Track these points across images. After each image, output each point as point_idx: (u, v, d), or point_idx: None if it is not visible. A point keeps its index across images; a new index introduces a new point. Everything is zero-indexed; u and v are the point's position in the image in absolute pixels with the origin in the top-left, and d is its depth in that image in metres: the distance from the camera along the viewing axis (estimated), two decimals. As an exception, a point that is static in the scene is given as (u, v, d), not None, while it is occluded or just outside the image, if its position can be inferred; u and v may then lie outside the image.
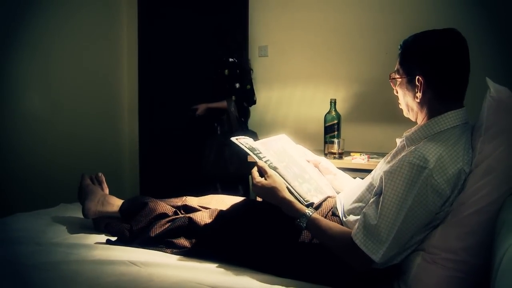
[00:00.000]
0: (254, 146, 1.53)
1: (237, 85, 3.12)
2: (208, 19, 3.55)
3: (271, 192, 1.41)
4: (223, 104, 3.12)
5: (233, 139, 1.54)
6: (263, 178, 1.44)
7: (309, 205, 1.45)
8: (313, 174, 1.66)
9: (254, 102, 3.20)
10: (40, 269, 1.34)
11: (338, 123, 2.54)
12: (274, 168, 1.48)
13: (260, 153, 1.52)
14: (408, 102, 1.36)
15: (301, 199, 1.46)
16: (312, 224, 1.34)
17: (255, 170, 1.46)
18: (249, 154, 1.49)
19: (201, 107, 3.16)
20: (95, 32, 3.53)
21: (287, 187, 1.45)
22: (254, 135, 3.06)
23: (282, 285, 1.29)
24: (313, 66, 3.13)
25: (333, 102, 2.55)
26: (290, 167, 1.58)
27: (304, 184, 1.54)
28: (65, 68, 3.27)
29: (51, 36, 3.15)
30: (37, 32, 3.06)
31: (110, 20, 3.73)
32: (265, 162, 1.49)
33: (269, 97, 3.29)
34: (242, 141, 1.52)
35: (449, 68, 1.28)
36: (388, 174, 1.24)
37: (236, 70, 3.12)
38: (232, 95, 3.12)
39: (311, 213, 1.35)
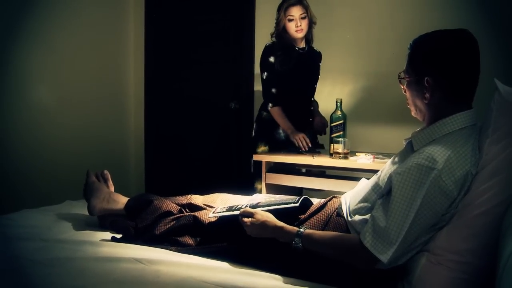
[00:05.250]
0: (227, 206, 1.63)
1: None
2: (214, 18, 3.56)
3: (264, 225, 1.43)
4: (316, 104, 2.92)
5: (211, 217, 1.61)
6: (251, 219, 1.46)
7: (299, 208, 1.49)
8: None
9: None
10: (45, 265, 1.34)
11: (344, 123, 2.53)
12: (256, 206, 1.54)
13: (238, 205, 1.60)
14: (416, 102, 1.36)
15: (290, 201, 1.51)
16: (308, 239, 1.35)
17: (242, 219, 1.47)
18: (232, 216, 1.54)
19: (326, 121, 2.77)
20: (102, 28, 3.55)
21: (274, 209, 1.50)
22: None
23: (287, 284, 1.29)
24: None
25: (339, 102, 2.54)
26: (265, 198, 1.68)
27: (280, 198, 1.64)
28: (71, 65, 3.28)
29: (58, 31, 3.16)
30: (44, 27, 3.07)
31: (117, 16, 3.74)
32: (245, 207, 1.54)
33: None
34: (217, 212, 1.62)
35: (459, 70, 1.27)
36: (397, 175, 1.24)
37: None
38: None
39: (303, 231, 1.36)
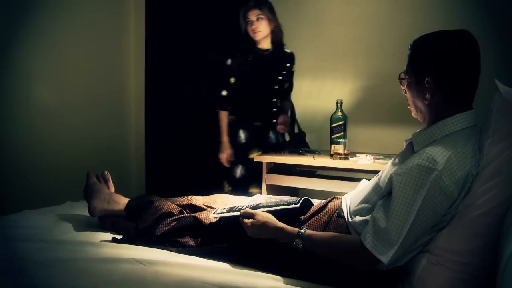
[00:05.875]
0: (228, 207, 1.63)
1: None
2: (214, 18, 3.56)
3: (264, 226, 1.43)
4: (289, 105, 2.89)
5: (212, 218, 1.61)
6: (252, 220, 1.46)
7: (299, 209, 1.49)
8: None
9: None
10: (46, 266, 1.34)
11: (345, 124, 2.53)
12: (256, 207, 1.54)
13: (238, 206, 1.60)
14: (416, 103, 1.36)
15: (290, 202, 1.51)
16: (308, 240, 1.35)
17: (243, 220, 1.47)
18: (232, 216, 1.54)
19: (286, 120, 2.77)
20: (102, 28, 3.54)
21: (275, 210, 1.50)
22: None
23: (288, 285, 1.29)
24: (319, 66, 3.12)
25: (339, 103, 2.54)
26: (266, 198, 1.68)
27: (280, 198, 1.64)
28: (72, 66, 3.28)
29: (59, 32, 3.16)
30: (45, 28, 3.07)
31: (118, 17, 3.74)
32: (245, 208, 1.54)
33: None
34: (217, 213, 1.62)
35: (460, 71, 1.27)
36: (397, 176, 1.25)
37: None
38: (288, 94, 2.87)
39: (303, 231, 1.36)
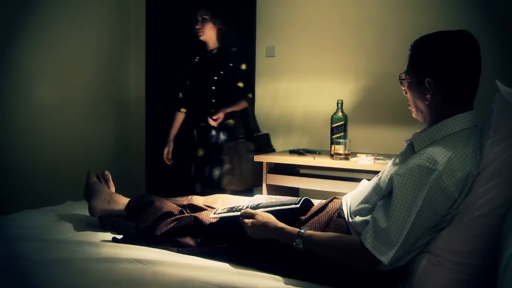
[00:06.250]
0: (228, 207, 1.63)
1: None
2: (216, 19, 3.55)
3: (265, 226, 1.43)
4: (243, 104, 2.83)
5: (212, 218, 1.61)
6: (252, 220, 1.46)
7: (299, 209, 1.49)
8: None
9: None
10: (46, 265, 1.34)
11: (345, 124, 2.53)
12: (256, 207, 1.54)
13: (238, 206, 1.60)
14: (417, 103, 1.36)
15: (291, 202, 1.51)
16: (309, 240, 1.35)
17: (243, 220, 1.47)
18: (232, 216, 1.54)
19: (222, 114, 2.72)
20: (103, 28, 3.55)
21: (275, 210, 1.50)
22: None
23: (288, 285, 1.29)
24: (320, 66, 3.12)
25: (339, 103, 2.55)
26: (266, 199, 1.69)
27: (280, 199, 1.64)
28: (73, 65, 3.28)
29: (59, 32, 3.17)
30: (46, 28, 3.08)
31: (119, 16, 3.75)
32: (246, 208, 1.54)
33: (275, 98, 3.28)
34: (218, 213, 1.62)
35: (461, 72, 1.27)
36: (398, 176, 1.25)
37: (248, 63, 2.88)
38: (247, 92, 2.84)
39: (304, 232, 1.36)
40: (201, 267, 1.39)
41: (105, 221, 1.87)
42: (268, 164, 2.64)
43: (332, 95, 2.96)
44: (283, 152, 2.82)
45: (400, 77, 1.40)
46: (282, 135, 3.25)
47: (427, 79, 1.29)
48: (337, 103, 2.55)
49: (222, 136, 2.84)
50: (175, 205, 1.78)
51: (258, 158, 2.68)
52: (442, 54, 1.28)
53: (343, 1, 3.04)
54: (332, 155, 2.49)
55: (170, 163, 2.99)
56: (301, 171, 2.80)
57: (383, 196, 1.34)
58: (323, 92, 3.10)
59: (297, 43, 3.20)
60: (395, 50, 2.77)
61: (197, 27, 2.75)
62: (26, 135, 3.00)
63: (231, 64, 2.80)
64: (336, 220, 1.46)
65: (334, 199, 1.57)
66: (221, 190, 2.56)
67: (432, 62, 1.29)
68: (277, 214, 1.47)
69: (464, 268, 1.15)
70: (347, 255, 1.29)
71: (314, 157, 2.53)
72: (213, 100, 2.79)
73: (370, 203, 1.38)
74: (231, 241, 1.50)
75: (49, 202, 2.22)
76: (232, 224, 1.52)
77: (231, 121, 2.83)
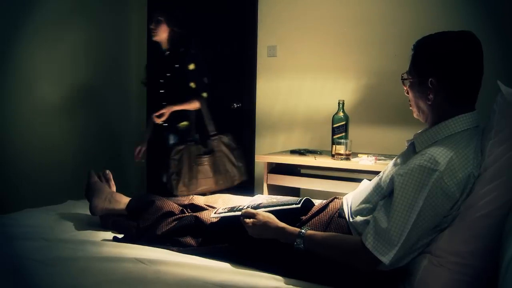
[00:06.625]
0: (229, 207, 1.63)
1: (205, 80, 2.78)
2: (216, 17, 3.56)
3: (265, 226, 1.43)
4: (194, 104, 2.76)
5: (213, 218, 1.60)
6: (253, 219, 1.46)
7: (300, 209, 1.49)
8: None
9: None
10: (47, 264, 1.34)
11: (346, 124, 2.53)
12: (257, 207, 1.54)
13: (239, 206, 1.60)
14: (419, 103, 1.36)
15: (292, 202, 1.52)
16: (309, 240, 1.35)
17: (244, 219, 1.47)
18: (233, 216, 1.54)
19: (167, 111, 2.69)
20: (104, 27, 3.55)
21: (276, 210, 1.50)
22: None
23: (289, 285, 1.29)
24: (321, 66, 3.12)
25: (341, 103, 2.55)
26: (267, 198, 1.69)
27: (281, 199, 1.64)
28: (74, 64, 3.29)
29: (60, 30, 3.17)
30: (47, 26, 3.08)
31: (120, 14, 3.75)
32: (246, 208, 1.54)
33: (276, 98, 3.29)
34: (218, 212, 1.62)
35: (463, 72, 1.27)
36: (399, 177, 1.24)
37: (199, 62, 2.79)
38: (200, 92, 2.76)
39: (304, 231, 1.36)
40: (202, 266, 1.39)
41: (106, 220, 1.88)
42: (269, 164, 2.64)
43: (333, 95, 2.96)
44: (284, 152, 2.82)
45: (402, 76, 1.40)
46: (283, 135, 3.25)
47: (430, 79, 1.29)
48: (338, 103, 2.55)
49: (173, 139, 2.81)
50: (176, 205, 1.78)
51: (259, 158, 2.67)
52: (446, 54, 1.27)
53: (344, 1, 3.04)
54: (333, 155, 2.49)
55: (138, 160, 2.92)
56: (302, 171, 2.80)
57: (384, 196, 1.34)
58: (325, 92, 3.10)
59: (298, 43, 3.20)
60: (397, 49, 2.77)
61: (151, 27, 2.75)
62: (27, 134, 3.00)
63: (177, 65, 2.75)
64: (337, 220, 1.46)
65: (335, 199, 1.57)
66: (172, 195, 2.44)
67: (435, 62, 1.29)
68: (278, 214, 1.47)
69: (465, 269, 1.15)
70: (347, 255, 1.29)
71: (315, 157, 2.53)
72: (164, 103, 2.74)
73: (371, 203, 1.38)
74: (232, 241, 1.51)
75: (50, 201, 2.23)
76: (233, 224, 1.52)
77: (183, 123, 2.79)
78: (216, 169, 2.66)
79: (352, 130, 2.63)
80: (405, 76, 1.39)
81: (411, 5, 2.83)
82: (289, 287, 1.29)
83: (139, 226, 1.71)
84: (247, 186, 3.30)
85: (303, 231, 1.37)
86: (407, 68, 1.39)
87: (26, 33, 2.94)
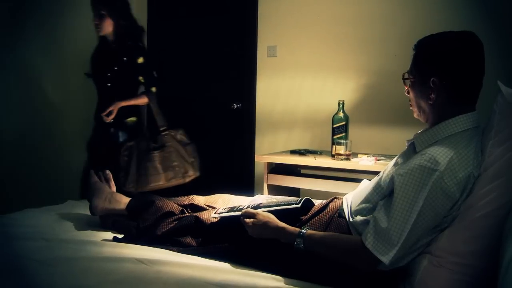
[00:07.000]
0: (229, 207, 1.63)
1: (155, 74, 2.72)
2: (216, 18, 3.56)
3: (265, 226, 1.43)
4: (142, 99, 2.73)
5: (213, 218, 1.60)
6: (253, 219, 1.46)
7: (300, 209, 1.49)
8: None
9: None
10: (48, 264, 1.34)
11: (346, 125, 2.53)
12: (257, 206, 1.55)
13: (239, 206, 1.60)
14: (420, 103, 1.36)
15: (292, 202, 1.52)
16: (309, 240, 1.35)
17: (244, 219, 1.48)
18: (233, 216, 1.54)
19: (115, 108, 2.60)
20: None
21: (276, 209, 1.50)
22: None
23: (289, 285, 1.30)
24: (321, 66, 3.12)
25: (341, 104, 2.55)
26: (267, 198, 1.69)
27: (281, 198, 1.64)
28: (76, 64, 3.27)
29: (61, 29, 3.17)
30: (47, 26, 3.08)
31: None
32: (247, 208, 1.55)
33: (276, 98, 3.28)
34: (219, 212, 1.62)
35: (465, 72, 1.27)
36: (399, 176, 1.25)
37: (147, 55, 2.74)
38: (149, 86, 2.71)
39: (304, 231, 1.37)
40: (202, 266, 1.39)
41: (106, 220, 1.88)
42: (269, 164, 2.65)
43: (333, 95, 2.96)
44: (284, 152, 2.82)
45: (403, 76, 1.40)
46: (283, 135, 3.25)
47: (432, 79, 1.29)
48: (339, 103, 2.56)
49: (121, 136, 2.72)
50: (176, 205, 1.78)
51: (259, 158, 2.67)
52: (448, 54, 1.28)
53: (344, 0, 3.04)
54: (333, 156, 2.49)
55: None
56: (302, 171, 2.80)
57: (384, 195, 1.34)
58: (325, 92, 3.09)
59: (298, 43, 3.20)
60: (397, 49, 2.77)
61: (95, 22, 2.65)
62: (28, 134, 3.00)
63: (125, 59, 2.67)
64: (337, 220, 1.46)
65: (335, 199, 1.57)
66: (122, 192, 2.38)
67: (437, 62, 1.29)
68: (278, 214, 1.47)
69: (465, 269, 1.16)
70: (347, 255, 1.29)
71: (315, 158, 2.53)
72: (110, 97, 2.66)
73: (371, 203, 1.38)
74: (232, 241, 1.51)
75: (50, 201, 2.22)
76: (233, 224, 1.52)
77: (131, 119, 2.73)
78: (166, 165, 2.58)
79: (352, 130, 2.63)
80: (406, 75, 1.39)
81: (411, 5, 2.83)
82: (289, 287, 1.29)
83: (139, 226, 1.71)
84: (247, 186, 3.31)
85: (303, 231, 1.37)
86: (407, 67, 1.39)
87: (26, 32, 2.94)
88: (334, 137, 2.54)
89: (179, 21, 3.72)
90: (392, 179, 1.30)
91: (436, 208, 1.19)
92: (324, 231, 1.42)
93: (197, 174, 2.70)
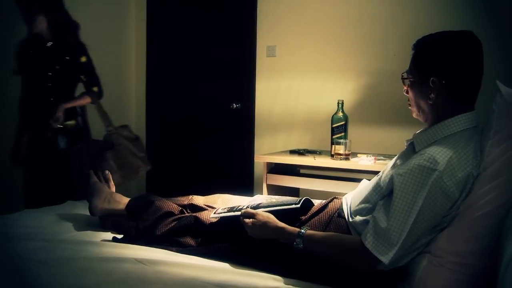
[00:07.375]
0: (229, 207, 1.63)
1: (97, 73, 2.63)
2: (216, 17, 3.56)
3: (265, 226, 1.43)
4: (86, 99, 2.62)
5: (212, 218, 1.60)
6: (252, 219, 1.46)
7: (300, 209, 1.49)
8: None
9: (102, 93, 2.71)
10: (48, 265, 1.35)
11: (345, 124, 2.54)
12: (257, 207, 1.55)
13: (239, 206, 1.60)
14: (419, 103, 1.36)
15: (291, 202, 1.52)
16: (309, 240, 1.35)
17: (244, 219, 1.48)
18: (233, 216, 1.54)
19: (61, 112, 2.47)
20: (103, 26, 3.54)
21: (276, 210, 1.50)
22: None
23: (288, 285, 1.30)
24: (320, 66, 3.12)
25: (340, 103, 2.55)
26: (266, 198, 1.68)
27: (281, 198, 1.64)
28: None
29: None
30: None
31: (119, 14, 3.74)
32: (246, 208, 1.54)
33: (276, 98, 3.29)
34: (218, 212, 1.62)
35: (464, 72, 1.27)
36: (398, 176, 1.25)
37: (88, 54, 2.61)
38: (91, 86, 2.61)
39: (304, 231, 1.37)
40: (201, 266, 1.40)
41: (106, 220, 1.88)
42: (269, 164, 2.65)
43: (333, 95, 2.96)
44: (283, 152, 2.82)
45: (402, 76, 1.40)
46: (282, 135, 3.25)
47: (431, 79, 1.29)
48: (338, 103, 2.56)
49: (61, 141, 2.57)
50: (176, 205, 1.78)
51: (258, 158, 2.68)
52: (448, 53, 1.28)
53: (343, 1, 3.04)
54: (332, 155, 2.50)
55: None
56: (302, 171, 2.80)
57: (383, 195, 1.34)
58: (324, 92, 3.09)
59: (297, 43, 3.20)
60: (396, 49, 2.77)
61: (25, 19, 2.47)
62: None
63: (67, 57, 2.55)
64: (337, 220, 1.46)
65: (334, 199, 1.57)
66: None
67: (438, 61, 1.29)
68: (277, 214, 1.47)
69: (465, 268, 1.16)
70: (347, 255, 1.29)
71: (314, 157, 2.53)
72: (52, 99, 2.51)
73: (371, 203, 1.38)
74: (232, 241, 1.51)
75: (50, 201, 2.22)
76: (232, 224, 1.52)
77: (70, 122, 2.58)
78: (120, 163, 2.52)
79: (351, 130, 2.63)
80: (405, 75, 1.39)
81: (411, 5, 2.83)
82: (289, 287, 1.29)
83: (138, 227, 1.71)
84: (246, 186, 3.31)
85: (302, 231, 1.37)
86: (407, 67, 1.39)
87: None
88: (334, 137, 2.54)
89: (178, 21, 3.72)
90: (391, 179, 1.30)
91: (435, 207, 1.19)
92: (323, 231, 1.42)
93: (148, 167, 2.68)
